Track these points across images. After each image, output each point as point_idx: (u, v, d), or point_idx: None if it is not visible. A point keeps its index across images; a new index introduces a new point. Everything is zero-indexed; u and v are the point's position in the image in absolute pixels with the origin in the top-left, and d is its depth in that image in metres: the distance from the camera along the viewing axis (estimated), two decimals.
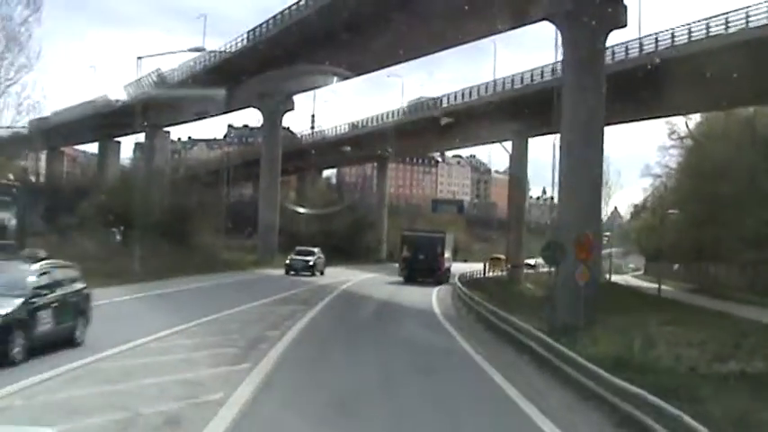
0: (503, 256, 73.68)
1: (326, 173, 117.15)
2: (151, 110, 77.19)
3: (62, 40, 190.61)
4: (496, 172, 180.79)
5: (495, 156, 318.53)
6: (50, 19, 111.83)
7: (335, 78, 58.42)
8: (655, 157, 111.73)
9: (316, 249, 56.83)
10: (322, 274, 54.35)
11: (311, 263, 53.61)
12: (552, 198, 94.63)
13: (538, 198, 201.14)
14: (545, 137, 69.28)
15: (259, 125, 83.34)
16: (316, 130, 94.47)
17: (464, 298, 35.17)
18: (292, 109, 67.13)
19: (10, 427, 8.37)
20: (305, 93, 72.70)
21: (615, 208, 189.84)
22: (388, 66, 61.57)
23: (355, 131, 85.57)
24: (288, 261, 54.45)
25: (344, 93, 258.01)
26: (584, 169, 33.21)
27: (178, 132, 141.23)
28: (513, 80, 62.41)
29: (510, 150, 66.92)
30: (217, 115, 79.75)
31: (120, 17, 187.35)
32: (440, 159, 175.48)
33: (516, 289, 58.16)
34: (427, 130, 73.25)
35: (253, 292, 35.01)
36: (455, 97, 68.57)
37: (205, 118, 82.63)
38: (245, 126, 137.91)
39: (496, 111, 60.55)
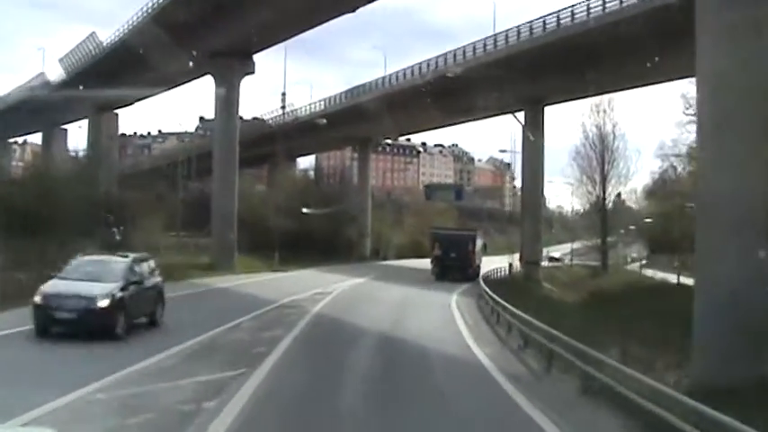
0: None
1: (305, 163, 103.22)
2: (91, 86, 63.30)
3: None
4: (479, 161, 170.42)
5: (479, 144, 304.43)
6: None
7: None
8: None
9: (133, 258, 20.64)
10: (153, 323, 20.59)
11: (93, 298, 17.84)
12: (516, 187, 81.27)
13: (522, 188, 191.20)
14: (563, 105, 55.54)
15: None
16: (288, 110, 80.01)
17: (506, 317, 22.45)
18: (252, 72, 52.12)
19: (10, 427, 7.64)
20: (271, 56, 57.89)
21: (619, 194, 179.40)
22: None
23: (331, 108, 71.08)
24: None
25: (326, 81, 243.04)
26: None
27: (149, 127, 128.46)
28: (519, 31, 48.16)
29: (522, 122, 52.67)
30: (171, 88, 65.14)
31: None
32: (421, 149, 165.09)
33: (540, 293, 44.33)
34: (418, 101, 58.98)
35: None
36: (453, 56, 53.96)
37: (157, 93, 67.89)
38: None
39: (504, 72, 46.62)
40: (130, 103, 73.30)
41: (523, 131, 52.65)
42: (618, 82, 47.65)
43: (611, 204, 73.62)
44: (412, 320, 25.17)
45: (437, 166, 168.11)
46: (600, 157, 67.04)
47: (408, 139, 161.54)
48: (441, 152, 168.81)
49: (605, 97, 64.33)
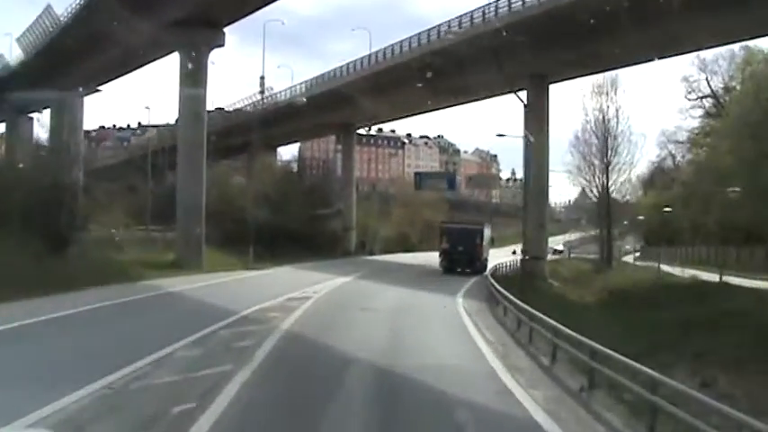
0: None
1: (288, 155, 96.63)
2: (51, 67, 56.91)
3: None
4: (465, 152, 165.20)
5: (465, 136, 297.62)
6: None
7: None
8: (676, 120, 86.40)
9: None
10: None
11: None
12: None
13: (508, 180, 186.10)
14: (568, 85, 49.15)
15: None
16: (267, 94, 73.42)
17: (542, 334, 16.86)
18: (222, 44, 45.26)
19: (10, 427, 7.18)
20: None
21: (583, 189, 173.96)
22: None
23: (312, 91, 64.60)
24: None
25: (309, 74, 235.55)
26: None
27: (127, 120, 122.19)
28: None
29: (525, 100, 46.27)
30: (137, 67, 58.79)
31: None
32: (406, 140, 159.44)
33: (551, 292, 38.29)
34: (407, 82, 52.70)
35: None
36: (448, 26, 47.47)
37: (124, 73, 61.47)
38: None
39: (504, 43, 40.49)
40: (98, 89, 66.89)
41: (526, 113, 46.38)
42: (635, 52, 41.46)
43: (614, 193, 68.18)
44: (415, 339, 18.52)
45: (422, 158, 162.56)
46: (602, 141, 61.10)
47: (393, 131, 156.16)
48: (426, 143, 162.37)
49: (608, 76, 58.55)
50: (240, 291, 30.17)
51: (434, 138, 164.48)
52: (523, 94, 46.66)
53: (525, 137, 46.29)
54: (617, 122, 60.16)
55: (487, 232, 54.60)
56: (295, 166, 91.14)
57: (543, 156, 46.51)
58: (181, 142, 45.77)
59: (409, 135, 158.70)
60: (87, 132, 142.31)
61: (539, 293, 32.94)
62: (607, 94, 60.06)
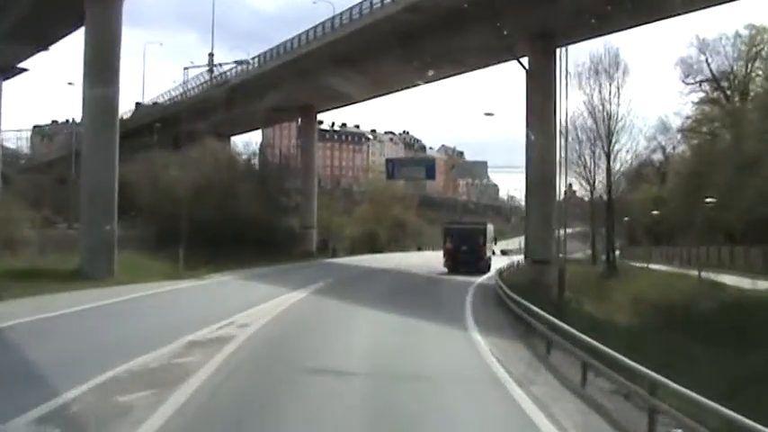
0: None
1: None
2: None
3: None
4: (431, 149, 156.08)
5: (431, 132, 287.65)
6: None
7: None
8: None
9: None
10: None
11: None
12: None
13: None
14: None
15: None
16: (217, 73, 62.36)
17: None
18: None
19: (11, 425, 7.05)
20: None
21: (570, 185, 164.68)
22: None
23: (265, 67, 53.67)
24: None
25: None
26: None
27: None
28: None
29: (528, 67, 35.75)
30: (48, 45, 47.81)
31: None
32: (371, 136, 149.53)
33: (569, 307, 27.81)
34: (383, 48, 42.07)
35: None
36: None
37: (36, 51, 50.45)
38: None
39: None
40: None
41: (528, 84, 35.93)
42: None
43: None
44: None
45: (387, 154, 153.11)
46: (604, 124, 50.60)
47: (357, 126, 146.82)
48: (391, 139, 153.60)
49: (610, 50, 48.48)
50: (128, 321, 19.19)
51: (400, 134, 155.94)
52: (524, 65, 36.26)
53: (527, 113, 35.99)
54: (618, 104, 50.00)
55: (490, 231, 53.53)
56: (252, 158, 79.68)
57: (549, 134, 35.98)
58: (84, 123, 34.51)
59: (374, 131, 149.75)
60: (39, 127, 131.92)
61: (557, 309, 22.57)
62: (607, 71, 49.80)
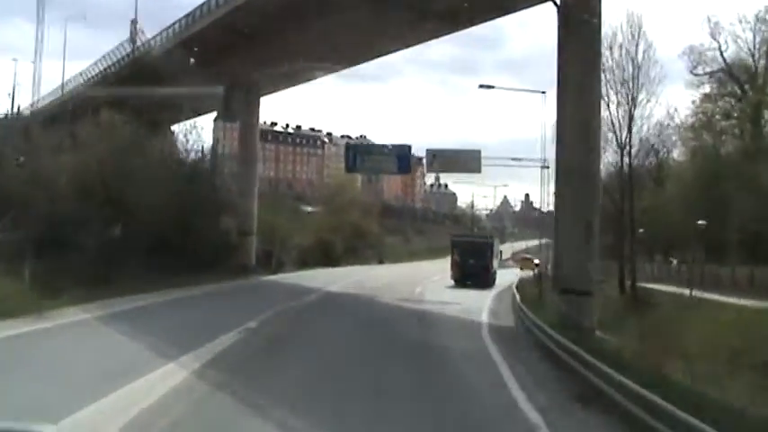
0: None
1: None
2: None
3: None
4: None
5: (387, 137, 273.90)
6: None
7: None
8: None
9: None
10: None
11: None
12: None
13: (432, 185, 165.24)
14: None
15: None
16: (139, 44, 48.60)
17: None
18: None
19: (9, 421, 5.46)
20: None
21: (505, 197, 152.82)
22: None
23: (192, 29, 40.30)
24: None
25: None
26: None
27: None
28: None
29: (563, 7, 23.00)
30: None
31: None
32: (326, 140, 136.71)
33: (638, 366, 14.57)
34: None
35: None
36: None
37: None
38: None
39: None
40: None
41: (562, 33, 23.15)
42: None
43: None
44: None
45: (344, 159, 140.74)
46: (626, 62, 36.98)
47: (313, 129, 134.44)
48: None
49: None
50: None
51: (357, 137, 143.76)
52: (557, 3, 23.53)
53: (560, 73, 23.16)
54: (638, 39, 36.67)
55: (496, 245, 53.40)
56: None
57: (590, 104, 23.20)
58: None
59: (330, 134, 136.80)
60: None
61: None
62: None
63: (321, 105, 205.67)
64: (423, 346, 16.66)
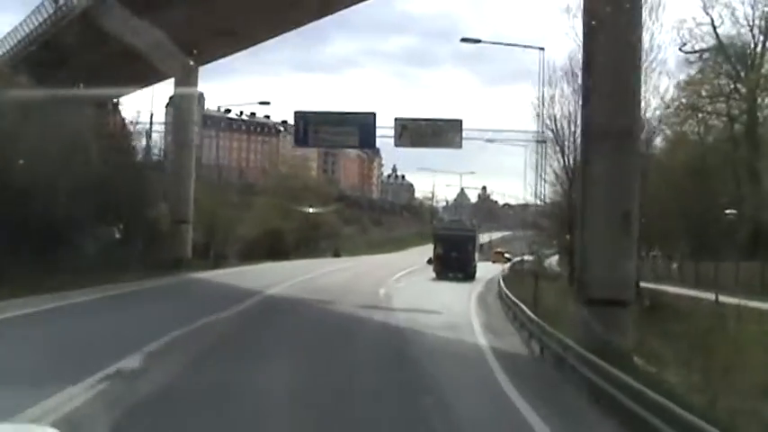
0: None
1: None
2: None
3: None
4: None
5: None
6: None
7: None
8: None
9: None
10: None
11: None
12: None
13: (389, 176, 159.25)
14: None
15: None
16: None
17: None
18: None
19: (9, 425, 5.16)
20: None
21: (462, 189, 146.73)
22: None
23: None
24: None
25: None
26: None
27: None
28: None
29: None
30: None
31: None
32: (282, 128, 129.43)
33: None
34: None
35: None
36: None
37: None
38: None
39: None
40: None
41: None
42: None
43: None
44: None
45: (300, 149, 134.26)
46: None
47: (267, 116, 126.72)
48: None
49: None
50: None
51: None
52: None
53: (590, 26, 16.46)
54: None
55: (478, 238, 52.95)
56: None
57: (630, 47, 16.43)
58: None
59: (285, 122, 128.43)
60: None
61: None
62: None
63: (277, 98, 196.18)
64: (407, 417, 9.38)
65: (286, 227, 52.50)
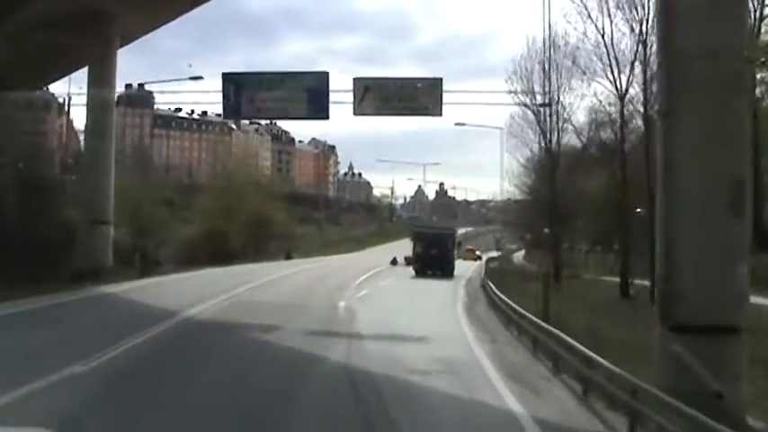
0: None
1: None
2: None
3: None
4: (300, 142, 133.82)
5: (300, 125, 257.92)
6: None
7: None
8: None
9: None
10: None
11: None
12: None
13: (345, 174, 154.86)
14: None
15: None
16: None
17: None
18: None
19: (10, 428, 5.60)
20: None
21: (419, 186, 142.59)
22: None
23: None
24: None
25: None
26: None
27: None
28: None
29: None
30: None
31: None
32: (233, 126, 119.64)
33: None
34: None
35: None
36: None
37: None
38: None
39: None
40: None
41: None
42: None
43: None
44: None
45: (252, 146, 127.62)
46: None
47: (219, 115, 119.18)
48: (257, 130, 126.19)
49: None
50: None
51: (267, 125, 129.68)
52: None
53: None
54: None
55: (457, 238, 52.33)
56: None
57: None
58: None
59: (237, 121, 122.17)
60: None
61: None
62: None
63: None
64: None
65: (231, 227, 45.24)
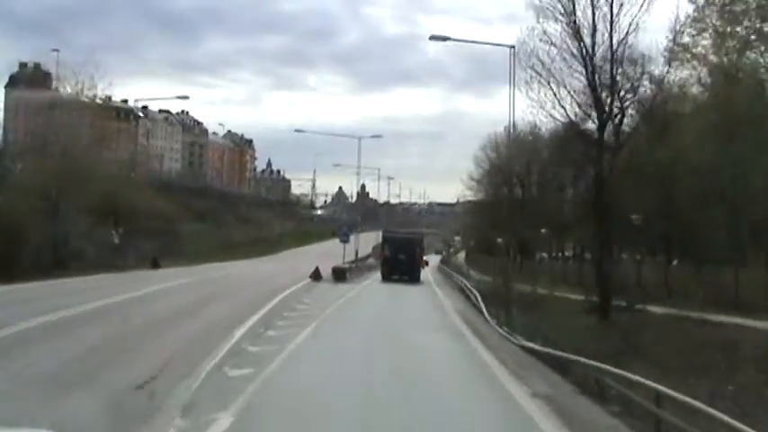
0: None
1: None
2: None
3: None
4: (214, 134, 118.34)
5: (215, 115, 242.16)
6: None
7: None
8: None
9: None
10: None
11: None
12: None
13: (263, 171, 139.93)
14: None
15: None
16: None
17: None
18: None
19: (9, 428, 5.36)
20: None
21: (340, 187, 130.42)
22: None
23: None
24: None
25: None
26: None
27: None
28: None
29: None
30: None
31: None
32: (141, 114, 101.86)
33: None
34: None
35: None
36: None
37: None
38: None
39: None
40: None
41: None
42: None
43: None
44: None
45: (161, 136, 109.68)
46: None
47: (125, 101, 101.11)
48: (166, 119, 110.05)
49: None
50: None
51: (177, 114, 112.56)
52: None
53: None
54: None
55: (424, 242, 52.00)
56: None
57: None
58: None
59: (145, 107, 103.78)
60: None
61: None
62: None
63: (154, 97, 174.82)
64: None
65: (35, 222, 27.17)
